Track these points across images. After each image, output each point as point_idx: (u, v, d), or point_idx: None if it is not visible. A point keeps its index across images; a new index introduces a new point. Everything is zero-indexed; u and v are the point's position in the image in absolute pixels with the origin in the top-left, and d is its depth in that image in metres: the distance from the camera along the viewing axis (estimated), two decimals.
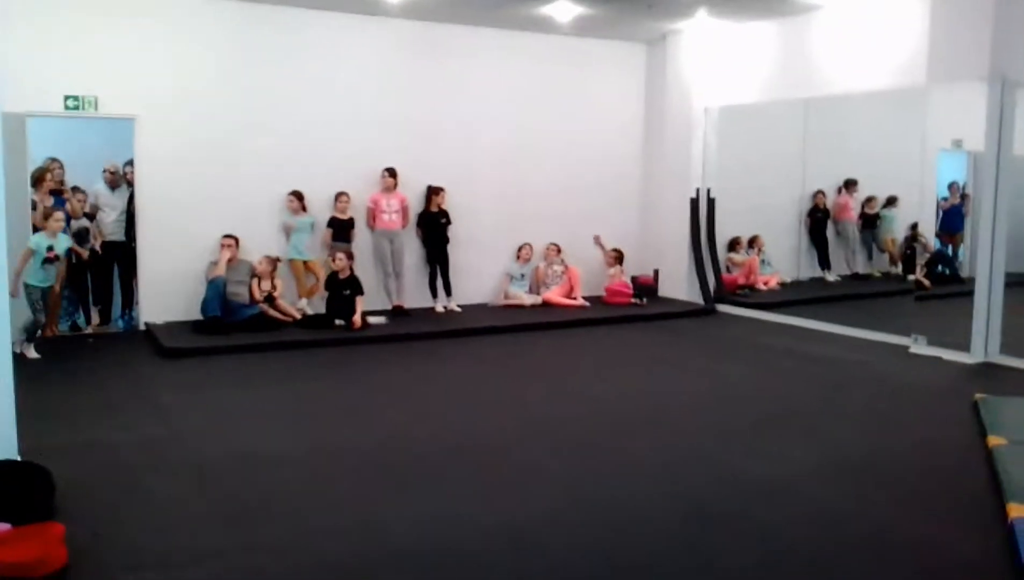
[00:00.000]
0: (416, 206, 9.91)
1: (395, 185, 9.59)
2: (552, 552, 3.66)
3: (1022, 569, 3.41)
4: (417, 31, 9.80)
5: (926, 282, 11.82)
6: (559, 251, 10.66)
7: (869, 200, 13.05)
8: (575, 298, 10.37)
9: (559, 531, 3.88)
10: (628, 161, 11.64)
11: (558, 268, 10.63)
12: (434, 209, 9.88)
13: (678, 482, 4.56)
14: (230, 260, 8.63)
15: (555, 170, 10.89)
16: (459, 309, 9.86)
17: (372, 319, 8.82)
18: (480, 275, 10.40)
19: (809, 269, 12.22)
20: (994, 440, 4.98)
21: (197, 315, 8.42)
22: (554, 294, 10.39)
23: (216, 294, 8.37)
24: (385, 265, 9.60)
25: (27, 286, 7.14)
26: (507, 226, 10.54)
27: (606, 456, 4.97)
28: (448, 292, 9.91)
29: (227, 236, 8.80)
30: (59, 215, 7.40)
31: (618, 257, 10.89)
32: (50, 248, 7.23)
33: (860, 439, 5.32)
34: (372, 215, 9.65)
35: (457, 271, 10.02)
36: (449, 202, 9.93)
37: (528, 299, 10.27)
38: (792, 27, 9.71)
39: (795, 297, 10.86)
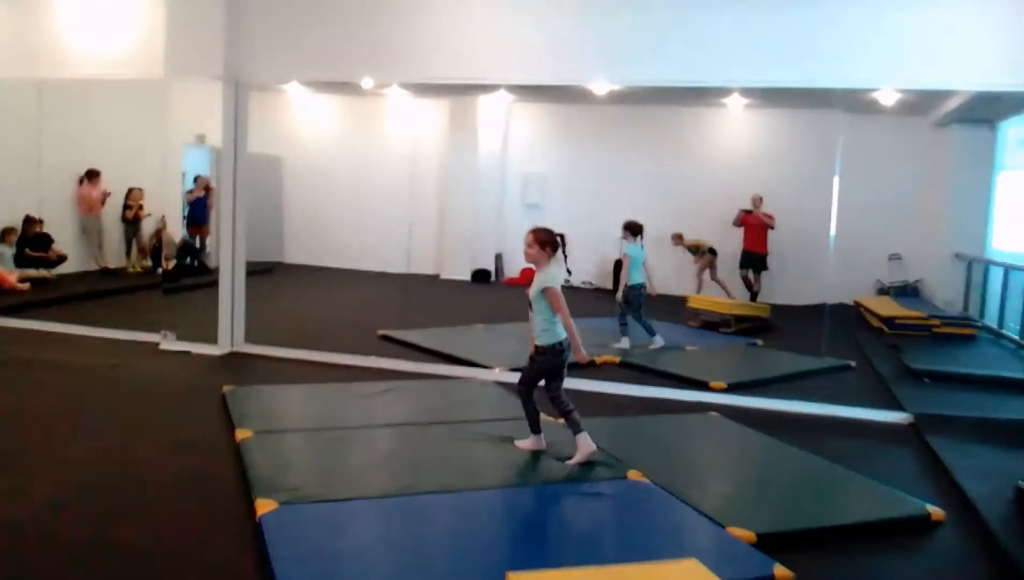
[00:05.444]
0: None
1: None
2: None
3: (269, 565, 3.43)
4: None
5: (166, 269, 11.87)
6: None
7: (131, 192, 12.61)
8: None
9: None
10: None
11: None
12: None
13: None
14: None
15: None
16: None
17: None
18: None
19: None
20: (241, 434, 5.06)
21: None
22: None
23: None
24: None
25: None
26: None
27: None
28: None
29: None
30: None
31: None
32: None
33: (108, 455, 4.88)
34: None
35: None
36: None
37: None
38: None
39: (36, 298, 9.74)
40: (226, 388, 6.14)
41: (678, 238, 12.26)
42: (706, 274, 12.26)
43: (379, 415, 5.80)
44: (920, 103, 11.92)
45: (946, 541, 4.22)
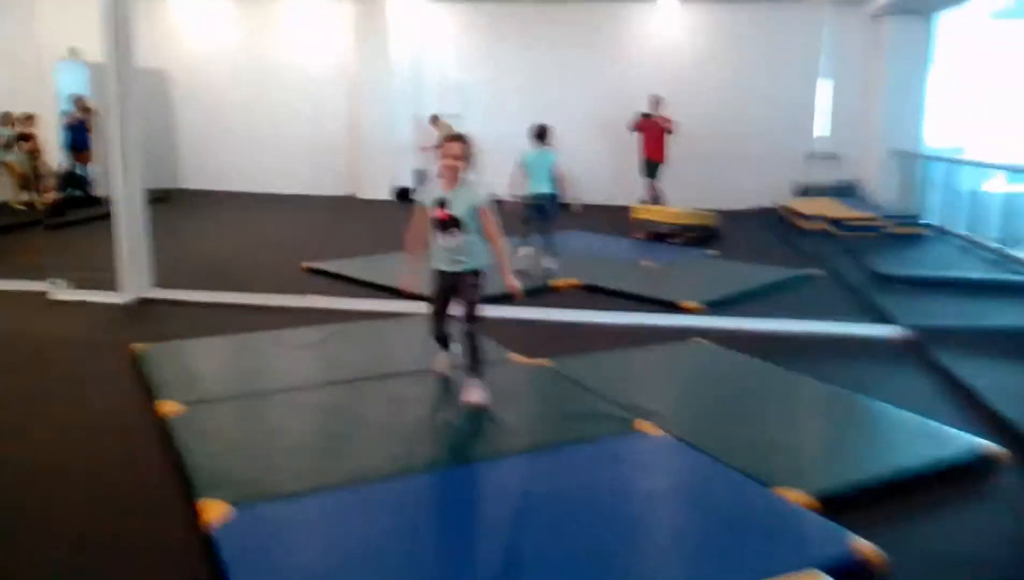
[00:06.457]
0: None
1: None
2: None
3: None
4: None
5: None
6: None
7: (28, 118, 11.14)
8: None
9: None
10: None
11: None
12: None
13: None
14: None
15: None
16: None
17: None
18: None
19: None
20: (165, 406, 4.14)
21: None
22: None
23: None
24: None
25: None
26: None
27: None
28: None
29: None
30: None
31: None
32: None
33: (3, 441, 3.91)
34: None
35: None
36: None
37: None
38: None
39: None
40: (137, 346, 5.15)
41: (434, 121, 12.29)
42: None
43: (326, 369, 4.94)
44: None
45: (1019, 483, 3.70)
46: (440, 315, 4.44)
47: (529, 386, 4.66)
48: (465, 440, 3.96)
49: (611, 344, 5.60)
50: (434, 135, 12.14)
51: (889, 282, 7.33)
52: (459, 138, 4.27)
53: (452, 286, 4.32)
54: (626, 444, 3.82)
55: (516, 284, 4.26)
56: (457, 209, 4.18)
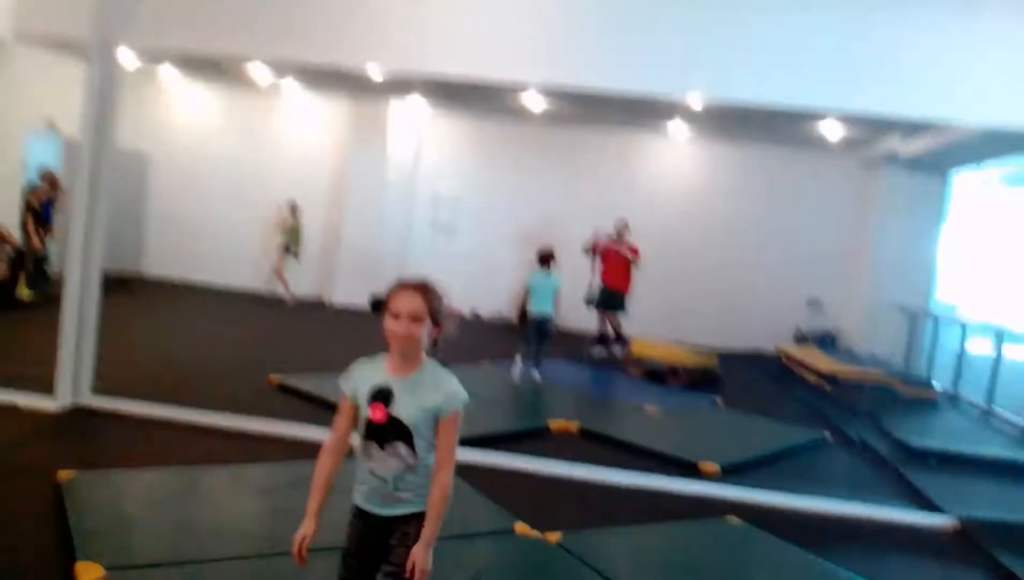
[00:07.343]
0: None
1: None
2: None
3: None
4: None
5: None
6: None
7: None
8: None
9: None
10: None
11: None
12: None
13: None
14: None
15: None
16: None
17: None
18: None
19: None
20: (86, 570, 3.26)
21: None
22: None
23: None
24: None
25: None
26: None
27: None
28: None
29: None
30: None
31: None
32: None
33: None
34: None
35: None
36: None
37: None
38: None
39: None
40: (63, 475, 4.24)
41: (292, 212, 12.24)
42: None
43: (294, 527, 4.07)
44: (855, 142, 11.22)
45: None
46: None
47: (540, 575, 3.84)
48: None
49: (625, 510, 4.85)
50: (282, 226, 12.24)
51: (920, 457, 6.64)
52: (421, 288, 2.44)
53: (380, 535, 2.46)
54: None
55: (427, 566, 2.37)
56: (406, 409, 2.41)
